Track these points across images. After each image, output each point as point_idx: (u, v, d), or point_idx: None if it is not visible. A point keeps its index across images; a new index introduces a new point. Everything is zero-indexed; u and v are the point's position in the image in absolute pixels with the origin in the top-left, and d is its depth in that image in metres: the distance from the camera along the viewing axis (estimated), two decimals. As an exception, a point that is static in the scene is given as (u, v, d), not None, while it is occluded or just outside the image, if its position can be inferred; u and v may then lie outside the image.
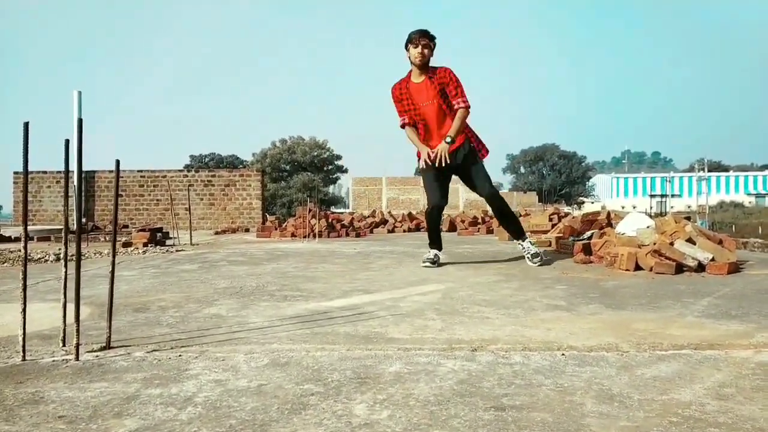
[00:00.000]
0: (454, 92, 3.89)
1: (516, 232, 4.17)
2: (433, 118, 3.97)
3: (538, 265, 3.85)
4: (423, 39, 3.87)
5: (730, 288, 2.91)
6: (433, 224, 4.21)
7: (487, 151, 4.17)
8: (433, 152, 3.87)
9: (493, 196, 4.08)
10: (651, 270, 3.47)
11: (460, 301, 2.59)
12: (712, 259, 3.45)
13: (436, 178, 4.04)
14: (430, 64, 3.95)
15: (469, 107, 3.92)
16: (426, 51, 3.88)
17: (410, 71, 4.00)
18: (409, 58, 3.94)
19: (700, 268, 3.44)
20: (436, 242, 4.14)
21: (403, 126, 4.06)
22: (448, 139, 3.85)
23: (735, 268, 3.48)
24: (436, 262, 3.97)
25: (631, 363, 1.61)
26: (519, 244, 4.15)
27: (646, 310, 2.37)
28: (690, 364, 1.60)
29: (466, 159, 3.99)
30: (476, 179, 4.04)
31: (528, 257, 3.99)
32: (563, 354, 1.69)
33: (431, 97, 3.93)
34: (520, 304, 2.53)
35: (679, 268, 3.44)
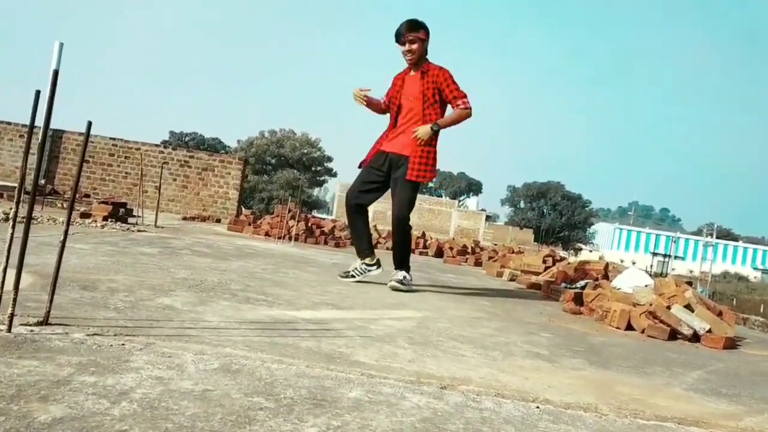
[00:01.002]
0: (454, 94, 3.83)
1: (402, 262, 3.95)
2: (408, 112, 3.90)
3: (393, 288, 3.73)
4: (409, 34, 3.78)
5: (724, 364, 2.93)
6: (350, 220, 4.08)
7: (433, 177, 4.04)
8: (415, 137, 3.79)
9: (403, 222, 3.92)
10: (643, 332, 3.48)
11: (436, 333, 2.58)
12: (709, 331, 3.48)
13: (369, 175, 3.98)
14: (427, 56, 3.90)
15: (471, 111, 3.86)
16: (415, 46, 3.80)
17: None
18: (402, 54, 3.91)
19: (695, 338, 3.46)
20: (361, 248, 3.98)
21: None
22: (435, 127, 3.78)
23: (732, 343, 3.51)
24: (352, 276, 3.88)
25: (609, 428, 1.60)
26: (395, 272, 3.91)
27: (632, 374, 2.37)
28: (671, 438, 1.59)
29: (403, 173, 3.86)
30: (399, 195, 3.88)
31: (393, 280, 3.80)
32: (538, 407, 1.68)
33: (415, 94, 3.87)
34: (499, 346, 2.52)
35: (673, 335, 3.45)
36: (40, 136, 1.91)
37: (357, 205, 3.99)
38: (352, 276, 3.88)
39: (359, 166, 4.03)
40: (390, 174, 3.93)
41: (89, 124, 1.84)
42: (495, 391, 1.78)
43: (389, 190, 4.02)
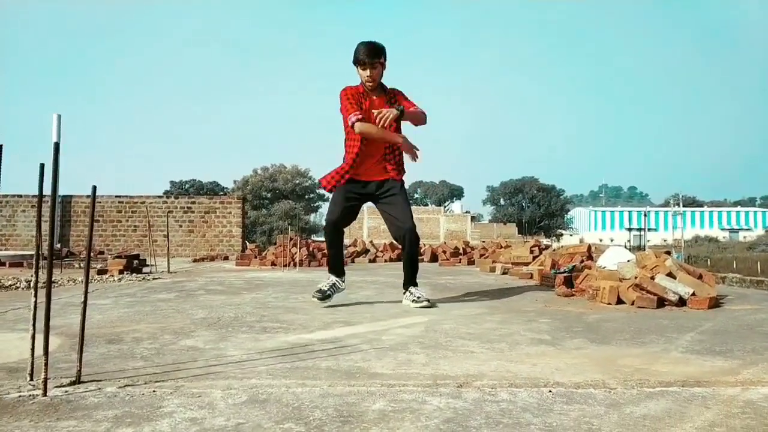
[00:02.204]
0: (412, 104, 3.59)
1: (414, 276, 3.63)
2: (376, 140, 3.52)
3: (423, 307, 3.40)
4: (374, 60, 3.46)
5: (712, 323, 2.91)
6: (333, 241, 3.64)
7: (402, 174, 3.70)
8: (379, 113, 3.38)
9: (415, 232, 3.57)
10: (633, 304, 3.46)
11: (444, 335, 2.54)
12: (693, 294, 3.46)
13: (347, 198, 3.59)
14: (382, 80, 3.59)
15: (426, 118, 3.64)
16: (376, 72, 3.49)
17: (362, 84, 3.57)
18: (360, 77, 3.55)
19: (681, 302, 3.45)
20: (339, 266, 3.67)
21: (353, 124, 3.44)
22: (401, 108, 3.46)
23: (715, 302, 3.50)
24: (329, 296, 3.53)
25: (619, 401, 1.57)
26: (408, 292, 3.58)
27: (630, 345, 2.35)
28: (678, 402, 1.57)
29: (392, 188, 3.60)
30: (399, 208, 3.58)
31: (423, 300, 3.47)
32: (550, 391, 1.65)
33: None
34: (504, 338, 2.49)
35: (661, 303, 3.44)
36: (50, 205, 1.88)
37: (340, 227, 3.62)
38: (329, 296, 3.53)
39: (329, 190, 3.62)
40: (366, 197, 3.66)
41: (94, 188, 1.81)
42: (508, 382, 1.75)
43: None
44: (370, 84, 3.51)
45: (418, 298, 3.49)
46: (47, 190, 1.75)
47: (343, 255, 3.80)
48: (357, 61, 3.48)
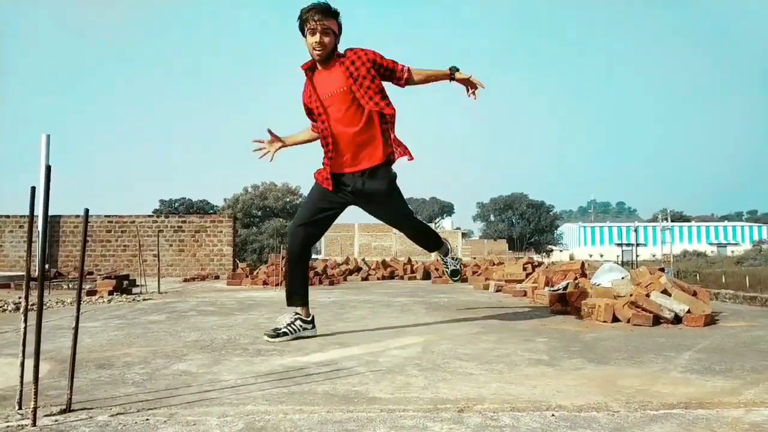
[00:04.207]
0: (391, 65, 2.94)
1: (436, 243, 3.42)
2: (346, 121, 2.90)
3: (454, 281, 3.65)
4: (323, 21, 2.77)
5: (709, 341, 2.90)
6: (295, 255, 3.02)
7: (411, 155, 3.04)
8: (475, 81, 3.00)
9: (412, 216, 3.29)
10: (628, 321, 3.45)
11: (441, 355, 2.51)
12: (688, 311, 3.46)
13: (322, 200, 3.03)
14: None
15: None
16: (327, 39, 2.81)
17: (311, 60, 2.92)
18: (307, 48, 2.87)
19: (677, 320, 3.44)
20: (297, 292, 3.01)
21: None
22: (455, 67, 3.02)
23: (711, 320, 3.49)
24: (286, 335, 2.88)
25: (624, 424, 1.54)
26: (440, 258, 3.57)
27: (629, 365, 2.33)
28: (683, 425, 1.54)
29: (383, 187, 3.01)
30: (390, 205, 3.13)
31: (448, 273, 3.59)
32: (553, 415, 1.62)
33: (339, 84, 2.87)
34: (502, 358, 2.46)
35: (656, 320, 3.42)
36: (39, 226, 1.84)
37: (308, 237, 3.03)
38: (285, 334, 2.91)
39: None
40: (350, 200, 3.06)
41: (86, 211, 1.78)
42: (509, 406, 1.71)
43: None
44: (319, 52, 2.81)
45: (450, 258, 3.55)
46: (37, 211, 1.72)
47: (307, 277, 3.09)
48: (303, 23, 2.82)
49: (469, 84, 3.09)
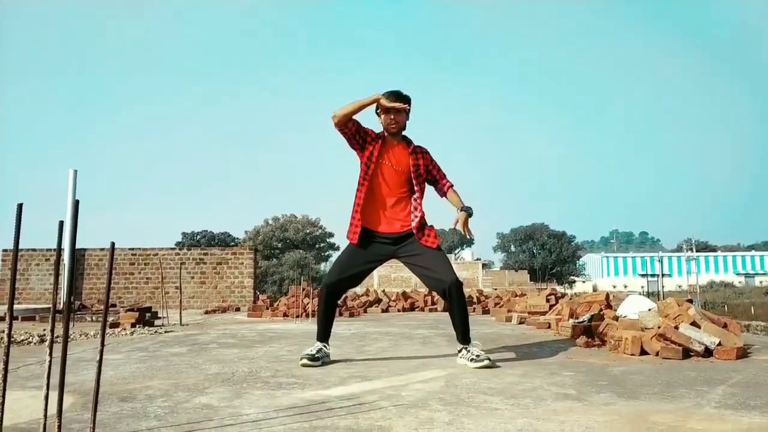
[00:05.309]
0: (442, 173, 3.50)
1: (466, 332, 3.28)
2: (392, 184, 3.36)
3: (486, 367, 3.05)
4: (400, 104, 3.30)
5: (743, 375, 2.80)
6: (329, 304, 3.37)
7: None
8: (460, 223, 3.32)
9: (459, 284, 3.25)
10: (657, 354, 3.35)
11: (465, 390, 2.46)
12: (719, 344, 3.36)
13: (352, 261, 3.35)
14: (404, 132, 3.44)
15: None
16: (401, 117, 3.34)
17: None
18: (381, 124, 3.38)
19: (707, 353, 3.34)
20: (328, 332, 3.36)
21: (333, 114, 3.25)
22: (469, 209, 3.37)
23: (743, 353, 3.38)
24: (318, 359, 3.19)
25: (658, 463, 1.48)
26: (464, 348, 3.24)
27: (660, 400, 2.25)
28: (721, 464, 1.48)
29: (422, 245, 3.32)
30: (437, 260, 3.30)
31: (470, 359, 3.15)
32: (583, 452, 1.57)
33: (403, 165, 3.36)
34: (527, 392, 2.40)
35: (686, 353, 3.33)
36: (66, 259, 1.86)
37: (341, 289, 3.42)
38: (323, 362, 3.21)
39: (354, 242, 3.37)
40: (383, 257, 3.42)
41: (113, 245, 1.79)
42: (537, 442, 1.66)
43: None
44: (394, 127, 3.33)
45: (477, 356, 3.11)
46: (64, 245, 1.74)
47: (333, 321, 3.42)
48: (380, 107, 3.32)
49: (464, 224, 3.40)
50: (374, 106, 3.33)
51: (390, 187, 3.37)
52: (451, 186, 3.52)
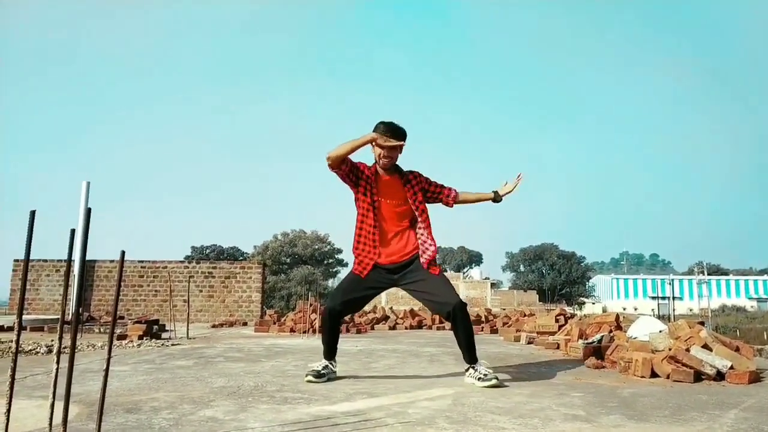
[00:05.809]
0: (439, 189, 3.46)
1: (473, 352, 3.27)
2: (390, 219, 3.37)
3: (494, 386, 3.00)
4: (395, 140, 3.25)
5: (755, 399, 2.75)
6: (333, 327, 3.36)
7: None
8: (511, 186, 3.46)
9: (464, 306, 3.25)
10: (668, 377, 3.30)
11: (472, 408, 2.43)
12: (731, 367, 3.30)
13: (354, 288, 3.35)
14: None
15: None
16: (395, 153, 3.31)
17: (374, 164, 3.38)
18: (374, 155, 3.32)
19: (719, 376, 3.28)
20: (334, 350, 3.38)
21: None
22: (499, 191, 3.47)
23: (756, 377, 3.32)
24: (323, 375, 3.19)
25: (668, 487, 1.45)
26: (471, 368, 3.21)
27: (672, 424, 2.21)
28: (733, 489, 1.45)
29: (424, 270, 3.32)
30: (439, 284, 3.29)
31: (477, 378, 3.11)
32: (592, 474, 1.54)
33: (400, 199, 3.36)
34: (535, 412, 2.37)
35: (698, 376, 3.28)
36: (76, 270, 1.88)
37: (343, 313, 3.42)
38: (328, 379, 3.23)
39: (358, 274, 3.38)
40: (385, 285, 3.40)
41: (122, 253, 1.80)
42: (545, 463, 1.64)
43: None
44: (386, 162, 3.28)
45: (485, 375, 3.07)
46: (75, 255, 1.75)
47: (338, 340, 3.44)
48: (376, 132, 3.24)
49: (513, 189, 3.52)
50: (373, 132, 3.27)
51: (389, 222, 3.37)
52: (457, 191, 3.50)
